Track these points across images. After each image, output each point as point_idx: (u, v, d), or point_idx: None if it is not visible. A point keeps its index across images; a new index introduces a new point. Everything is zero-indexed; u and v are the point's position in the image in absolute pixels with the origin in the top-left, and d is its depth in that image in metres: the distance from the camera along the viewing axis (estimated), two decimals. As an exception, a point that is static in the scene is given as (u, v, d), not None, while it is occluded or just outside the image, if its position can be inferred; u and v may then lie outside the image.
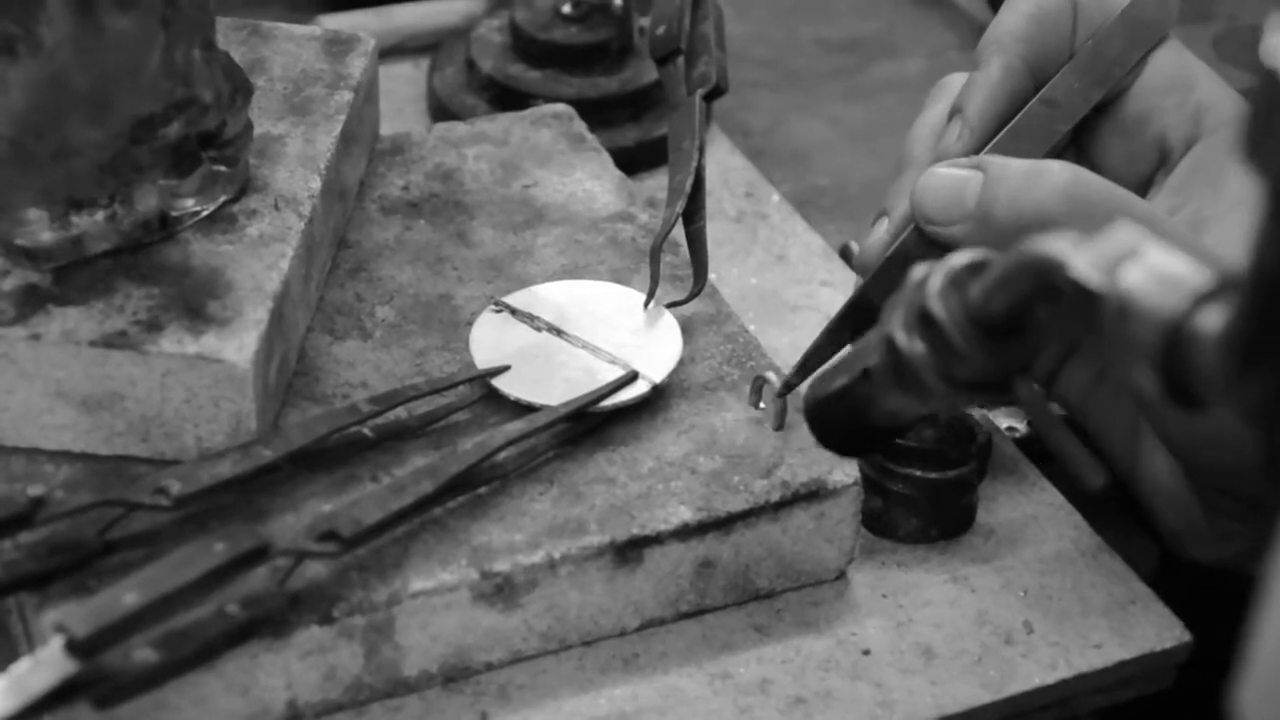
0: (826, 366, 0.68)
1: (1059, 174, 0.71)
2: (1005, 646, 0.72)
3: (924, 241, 0.74)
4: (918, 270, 0.60)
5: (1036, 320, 0.57)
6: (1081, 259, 0.52)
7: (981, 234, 0.72)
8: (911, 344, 0.59)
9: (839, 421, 0.66)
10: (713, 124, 0.99)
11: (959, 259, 0.59)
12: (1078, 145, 0.78)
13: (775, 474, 0.72)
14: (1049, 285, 0.54)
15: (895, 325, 0.60)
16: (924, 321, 0.58)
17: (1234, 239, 0.72)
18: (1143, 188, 0.77)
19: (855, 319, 0.74)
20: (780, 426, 0.73)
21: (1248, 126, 0.45)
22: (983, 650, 0.72)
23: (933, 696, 0.70)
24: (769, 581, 0.73)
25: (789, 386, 0.74)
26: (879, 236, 0.75)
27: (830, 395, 0.65)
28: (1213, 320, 0.49)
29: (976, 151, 0.75)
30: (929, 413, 0.66)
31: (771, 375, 0.74)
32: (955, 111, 0.76)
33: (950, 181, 0.73)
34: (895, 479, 0.75)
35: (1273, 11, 0.45)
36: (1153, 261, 0.51)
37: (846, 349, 0.70)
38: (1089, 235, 0.53)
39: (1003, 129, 0.75)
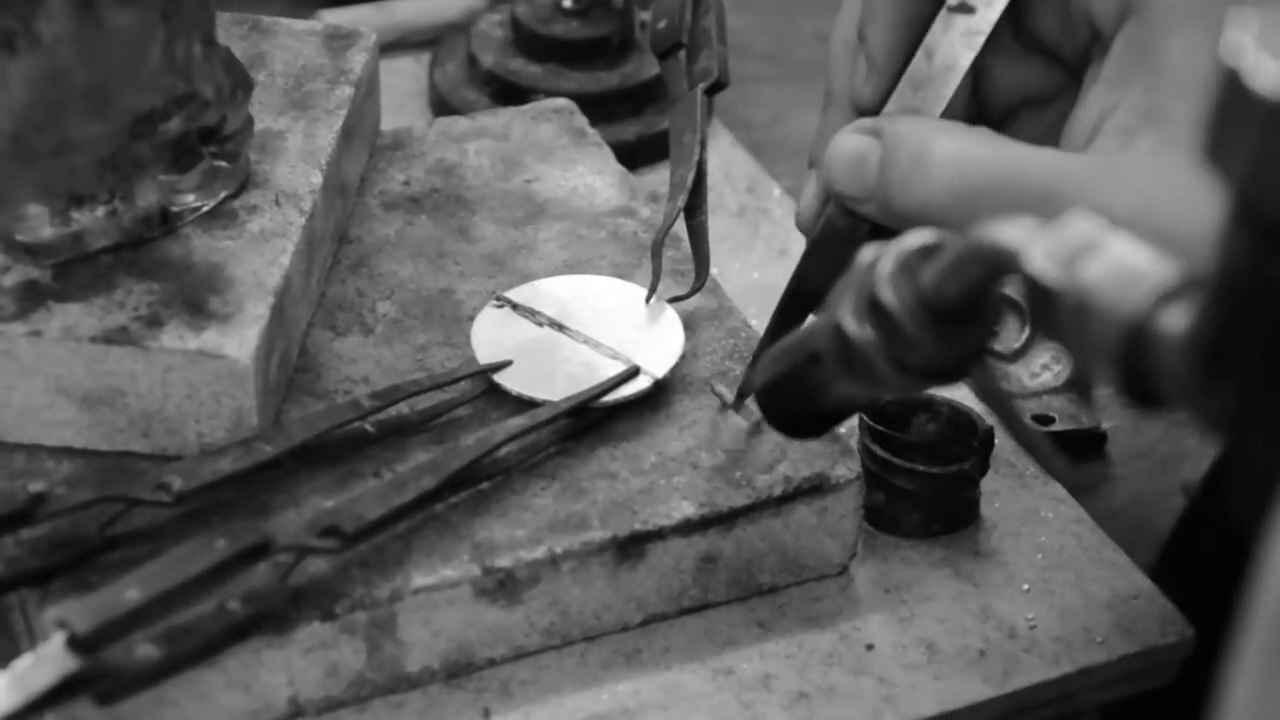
0: (777, 347, 0.66)
1: (940, 170, 0.67)
2: (1008, 641, 0.72)
3: (846, 211, 0.71)
4: (867, 253, 0.57)
5: (991, 305, 0.55)
6: (1037, 250, 0.50)
7: (887, 216, 0.69)
8: (862, 331, 0.57)
9: (789, 405, 0.64)
10: (714, 118, 0.99)
11: (910, 242, 0.56)
12: (1014, 15, 0.72)
13: (777, 469, 0.72)
14: (1004, 272, 0.52)
15: (845, 312, 0.57)
16: (874, 308, 0.56)
17: (1181, 131, 0.65)
18: (1081, 64, 0.71)
19: (797, 305, 0.72)
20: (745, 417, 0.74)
21: (1209, 128, 0.43)
22: (985, 645, 0.72)
23: (936, 691, 0.70)
24: (771, 577, 0.73)
25: (742, 396, 0.73)
26: (809, 196, 0.73)
27: (780, 379, 0.63)
28: (1176, 321, 0.46)
29: (885, 94, 0.71)
30: (882, 397, 0.64)
31: (722, 389, 0.74)
32: (860, 37, 0.72)
33: (853, 155, 0.69)
34: (898, 473, 0.75)
35: (1236, 7, 0.42)
36: (1114, 255, 0.48)
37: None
38: (1046, 222, 0.50)
39: (911, 51, 0.71)
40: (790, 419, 0.66)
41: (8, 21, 0.68)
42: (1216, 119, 0.43)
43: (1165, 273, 0.47)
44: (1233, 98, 0.42)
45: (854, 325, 0.57)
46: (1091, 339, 0.48)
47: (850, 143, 0.70)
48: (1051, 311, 0.49)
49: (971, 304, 0.55)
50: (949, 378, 0.57)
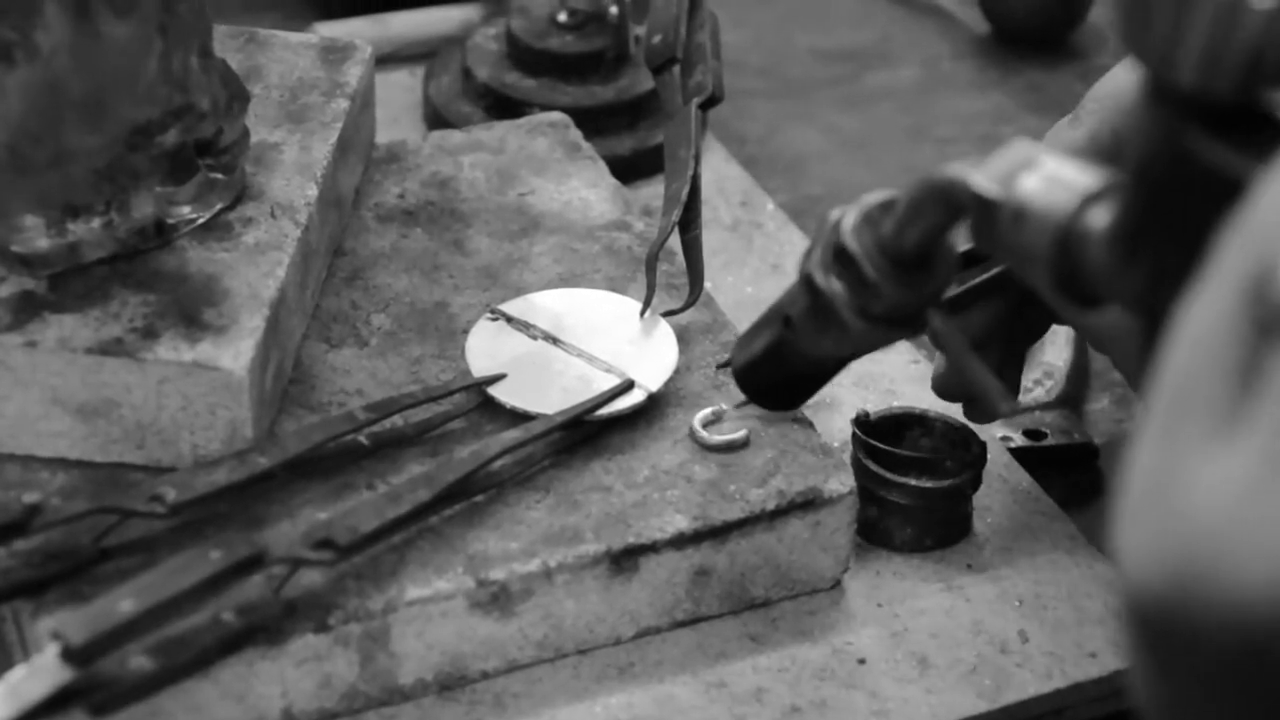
0: (752, 324, 0.70)
1: None
2: (1001, 655, 0.72)
3: None
4: (833, 213, 0.63)
5: (944, 251, 0.61)
6: (980, 173, 0.56)
7: None
8: (828, 282, 0.62)
9: (766, 374, 0.69)
10: (708, 132, 0.99)
11: (871, 198, 0.62)
12: None
13: (771, 483, 0.72)
14: (954, 209, 0.57)
15: (813, 264, 0.63)
16: (840, 258, 0.62)
17: None
18: None
19: None
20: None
21: (1125, 11, 0.47)
22: (978, 659, 0.72)
23: (928, 705, 0.70)
24: (764, 590, 0.73)
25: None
26: None
27: (755, 349, 0.68)
28: (1100, 217, 0.52)
29: None
30: (850, 355, 0.68)
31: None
32: None
33: None
34: (890, 488, 0.75)
35: None
36: (1047, 169, 0.54)
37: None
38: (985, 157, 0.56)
39: None
40: (767, 387, 0.71)
41: (5, 32, 0.68)
42: (1132, 6, 0.47)
43: (1091, 179, 0.53)
44: None
45: (821, 276, 0.63)
46: (1027, 244, 0.54)
47: None
48: (993, 224, 0.55)
49: (927, 250, 0.61)
50: (909, 325, 0.63)
